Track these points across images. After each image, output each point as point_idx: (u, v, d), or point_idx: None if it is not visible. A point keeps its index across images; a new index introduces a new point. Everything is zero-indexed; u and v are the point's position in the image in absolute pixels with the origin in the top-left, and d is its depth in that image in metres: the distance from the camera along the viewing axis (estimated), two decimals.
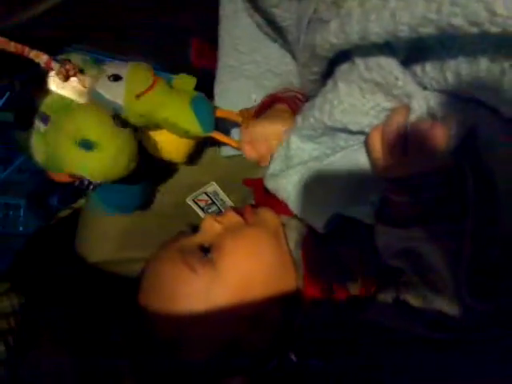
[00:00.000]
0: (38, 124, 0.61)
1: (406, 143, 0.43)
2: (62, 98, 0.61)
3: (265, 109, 0.65)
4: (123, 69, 0.60)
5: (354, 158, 0.50)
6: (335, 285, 0.57)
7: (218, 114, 0.65)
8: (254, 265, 0.58)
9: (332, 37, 0.39)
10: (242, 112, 0.64)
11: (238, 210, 0.64)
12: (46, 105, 0.61)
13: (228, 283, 0.56)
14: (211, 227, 0.61)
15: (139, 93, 0.59)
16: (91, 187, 0.64)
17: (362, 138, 0.49)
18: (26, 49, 0.57)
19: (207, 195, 0.81)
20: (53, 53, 0.60)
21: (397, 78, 0.41)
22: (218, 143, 0.71)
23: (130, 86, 0.59)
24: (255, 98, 0.69)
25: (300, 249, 0.61)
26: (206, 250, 0.59)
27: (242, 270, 0.57)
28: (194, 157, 0.76)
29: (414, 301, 0.47)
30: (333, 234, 0.55)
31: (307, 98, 0.55)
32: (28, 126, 0.62)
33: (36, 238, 0.85)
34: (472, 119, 0.39)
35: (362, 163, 0.49)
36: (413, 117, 0.42)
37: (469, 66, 0.37)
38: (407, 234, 0.44)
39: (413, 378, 0.49)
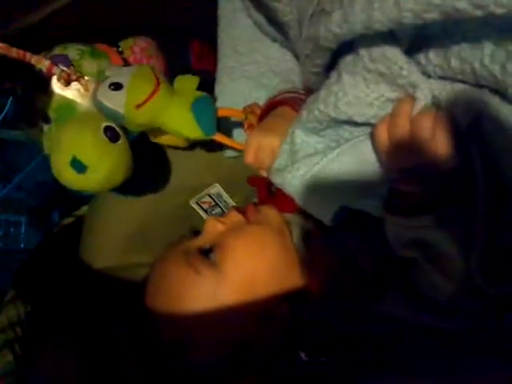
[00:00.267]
0: (41, 123, 0.62)
1: (412, 133, 0.43)
2: (62, 98, 0.61)
3: (268, 112, 0.65)
4: (125, 76, 0.59)
5: (359, 149, 0.50)
6: (343, 279, 0.57)
7: (221, 113, 0.64)
8: (258, 263, 0.58)
9: (335, 27, 0.39)
10: (245, 109, 0.64)
11: (240, 209, 0.64)
12: (47, 106, 0.62)
13: (233, 283, 0.56)
14: (214, 228, 0.61)
15: (140, 103, 0.58)
16: None
17: (366, 129, 0.49)
18: (28, 54, 0.58)
19: (210, 197, 0.81)
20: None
21: (401, 68, 0.41)
22: (221, 146, 0.71)
23: (130, 96, 0.58)
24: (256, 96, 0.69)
25: (306, 245, 0.61)
26: (207, 252, 0.59)
27: (247, 268, 0.57)
28: (196, 158, 0.76)
29: (425, 289, 0.47)
30: (340, 229, 0.55)
31: (310, 93, 0.55)
32: (34, 124, 0.62)
33: (41, 246, 0.85)
34: (478, 105, 0.39)
35: (367, 155, 0.49)
36: (418, 106, 0.42)
37: (473, 52, 0.37)
38: (417, 222, 0.44)
39: (419, 373, 0.49)
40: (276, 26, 0.61)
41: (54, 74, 0.60)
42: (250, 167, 0.74)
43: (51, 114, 0.63)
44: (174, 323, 0.57)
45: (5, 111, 0.94)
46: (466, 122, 0.41)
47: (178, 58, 0.77)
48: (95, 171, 0.57)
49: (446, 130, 0.40)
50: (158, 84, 0.60)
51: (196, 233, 0.64)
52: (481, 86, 0.40)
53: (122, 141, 0.60)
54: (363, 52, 0.41)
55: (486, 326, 0.49)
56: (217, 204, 0.82)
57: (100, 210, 0.83)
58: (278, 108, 0.64)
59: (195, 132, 0.61)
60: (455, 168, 0.41)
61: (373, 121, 0.46)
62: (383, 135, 0.44)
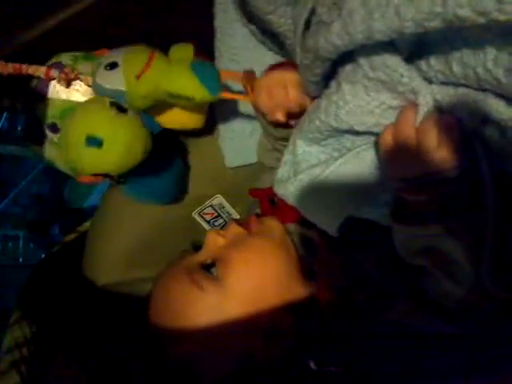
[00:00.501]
0: (50, 134, 0.61)
1: (418, 142, 0.43)
2: (64, 102, 0.61)
3: None
4: (119, 55, 0.59)
5: (362, 158, 0.49)
6: (351, 288, 0.56)
7: (223, 75, 0.62)
8: (262, 276, 0.57)
9: (335, 38, 0.38)
10: (245, 74, 0.61)
11: (241, 222, 0.64)
12: (50, 114, 0.62)
13: (237, 297, 0.56)
14: (215, 242, 0.61)
15: (138, 73, 0.57)
16: (122, 180, 0.64)
17: (368, 138, 0.49)
18: (24, 67, 0.58)
19: (213, 208, 0.81)
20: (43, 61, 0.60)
21: (402, 75, 0.41)
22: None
23: (127, 70, 0.58)
24: None
25: (310, 255, 0.61)
26: (209, 267, 0.58)
27: (250, 282, 0.57)
28: (198, 169, 0.75)
29: (434, 296, 0.46)
30: (345, 238, 0.55)
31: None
32: (40, 140, 0.62)
33: (44, 264, 0.84)
34: (483, 109, 0.39)
35: (371, 164, 0.49)
36: (421, 113, 0.42)
37: (475, 57, 0.37)
38: (426, 231, 0.43)
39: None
40: (271, 36, 0.60)
41: (53, 78, 0.60)
42: (251, 178, 0.75)
43: (57, 121, 0.62)
44: (179, 340, 0.56)
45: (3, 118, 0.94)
46: (472, 126, 0.41)
47: None
48: (112, 142, 0.55)
49: (453, 136, 0.39)
50: (153, 53, 0.59)
51: (197, 247, 0.64)
52: (484, 90, 0.39)
53: (131, 113, 0.59)
54: (363, 61, 0.41)
55: (498, 329, 0.48)
56: (219, 215, 0.82)
57: (102, 225, 0.83)
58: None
59: (200, 91, 0.58)
60: (462, 175, 0.41)
61: (375, 129, 0.46)
62: (388, 144, 0.44)
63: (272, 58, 0.69)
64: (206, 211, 0.81)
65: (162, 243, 0.79)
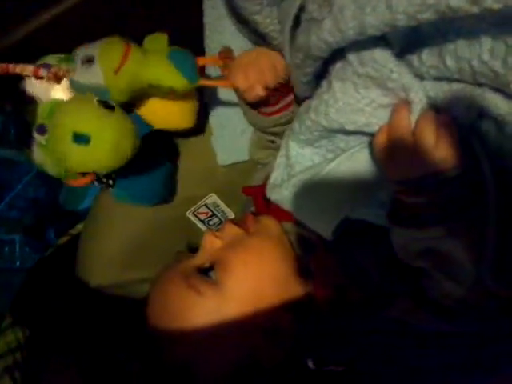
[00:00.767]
0: (38, 137, 0.60)
1: (415, 142, 0.41)
2: (52, 102, 0.60)
3: None
4: (94, 48, 0.58)
5: (356, 159, 0.49)
6: (349, 286, 0.56)
7: (200, 62, 0.61)
8: (261, 275, 0.57)
9: (327, 35, 0.38)
10: (220, 54, 0.62)
11: (237, 222, 0.63)
12: (37, 116, 0.60)
13: (236, 300, 0.55)
14: (212, 245, 0.60)
15: (117, 66, 0.57)
16: (111, 182, 0.63)
17: (362, 138, 0.48)
18: (11, 66, 0.57)
19: (207, 207, 0.80)
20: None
21: (391, 71, 0.40)
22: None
23: (104, 64, 0.57)
24: None
25: (307, 254, 0.60)
26: (207, 271, 0.57)
27: (249, 284, 0.56)
28: (191, 169, 0.74)
29: (435, 295, 0.46)
30: (342, 237, 0.54)
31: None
32: (31, 143, 0.61)
33: (36, 268, 0.83)
34: (479, 104, 0.38)
35: (365, 164, 0.48)
36: (415, 110, 0.41)
37: (470, 49, 0.36)
38: (426, 234, 0.43)
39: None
40: (259, 36, 0.59)
41: (42, 77, 0.59)
42: (245, 175, 0.74)
43: (45, 122, 0.61)
44: (177, 342, 0.56)
45: None
46: (468, 122, 0.40)
47: None
48: (99, 139, 0.54)
49: (450, 134, 0.38)
50: (128, 45, 0.59)
51: (192, 249, 0.63)
52: (479, 85, 0.38)
53: (118, 109, 0.58)
54: (352, 57, 0.40)
55: (498, 327, 0.48)
56: (214, 214, 0.81)
57: (94, 227, 0.82)
58: None
59: (179, 80, 0.58)
60: (463, 174, 0.40)
61: (366, 129, 0.45)
62: (383, 146, 0.43)
63: None
64: (200, 210, 0.80)
65: (156, 244, 0.78)
